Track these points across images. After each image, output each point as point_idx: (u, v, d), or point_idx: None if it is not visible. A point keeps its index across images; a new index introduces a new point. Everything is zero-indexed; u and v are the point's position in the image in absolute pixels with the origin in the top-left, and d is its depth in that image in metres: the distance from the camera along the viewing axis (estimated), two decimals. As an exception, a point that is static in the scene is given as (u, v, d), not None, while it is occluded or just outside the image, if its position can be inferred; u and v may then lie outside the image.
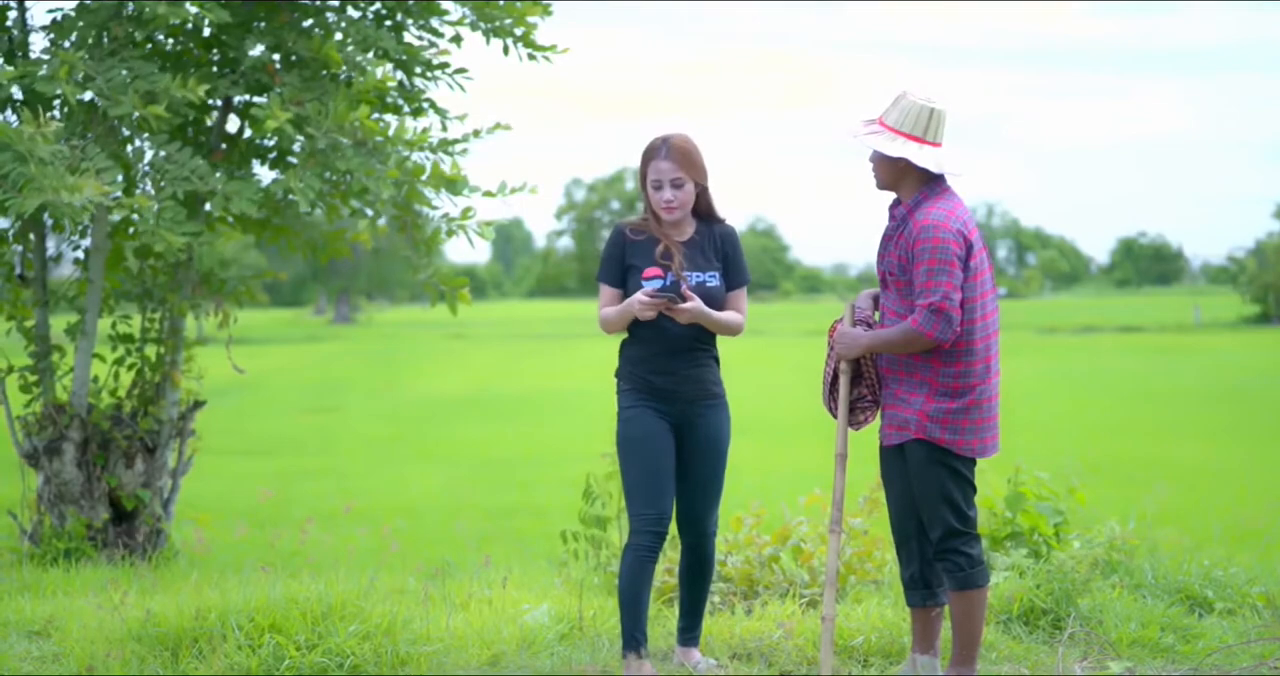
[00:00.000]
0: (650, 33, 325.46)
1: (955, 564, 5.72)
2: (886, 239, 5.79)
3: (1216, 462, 19.46)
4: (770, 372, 36.00)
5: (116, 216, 9.10)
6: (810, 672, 6.17)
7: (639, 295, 5.85)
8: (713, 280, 5.99)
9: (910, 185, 5.74)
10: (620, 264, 6.01)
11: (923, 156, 5.66)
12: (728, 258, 6.06)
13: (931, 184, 5.74)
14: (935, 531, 5.73)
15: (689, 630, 6.26)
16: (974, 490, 5.79)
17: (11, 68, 8.83)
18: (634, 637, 5.91)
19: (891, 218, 5.79)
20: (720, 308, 6.01)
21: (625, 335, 6.08)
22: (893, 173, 5.74)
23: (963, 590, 5.73)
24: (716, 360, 6.09)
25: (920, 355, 5.67)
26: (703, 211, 6.07)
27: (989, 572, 5.87)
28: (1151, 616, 6.79)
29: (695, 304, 5.84)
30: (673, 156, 5.91)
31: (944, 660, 6.03)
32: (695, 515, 6.06)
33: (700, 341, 5.99)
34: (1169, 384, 33.48)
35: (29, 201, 7.88)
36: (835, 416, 5.97)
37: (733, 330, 6.02)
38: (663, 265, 5.96)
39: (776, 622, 6.56)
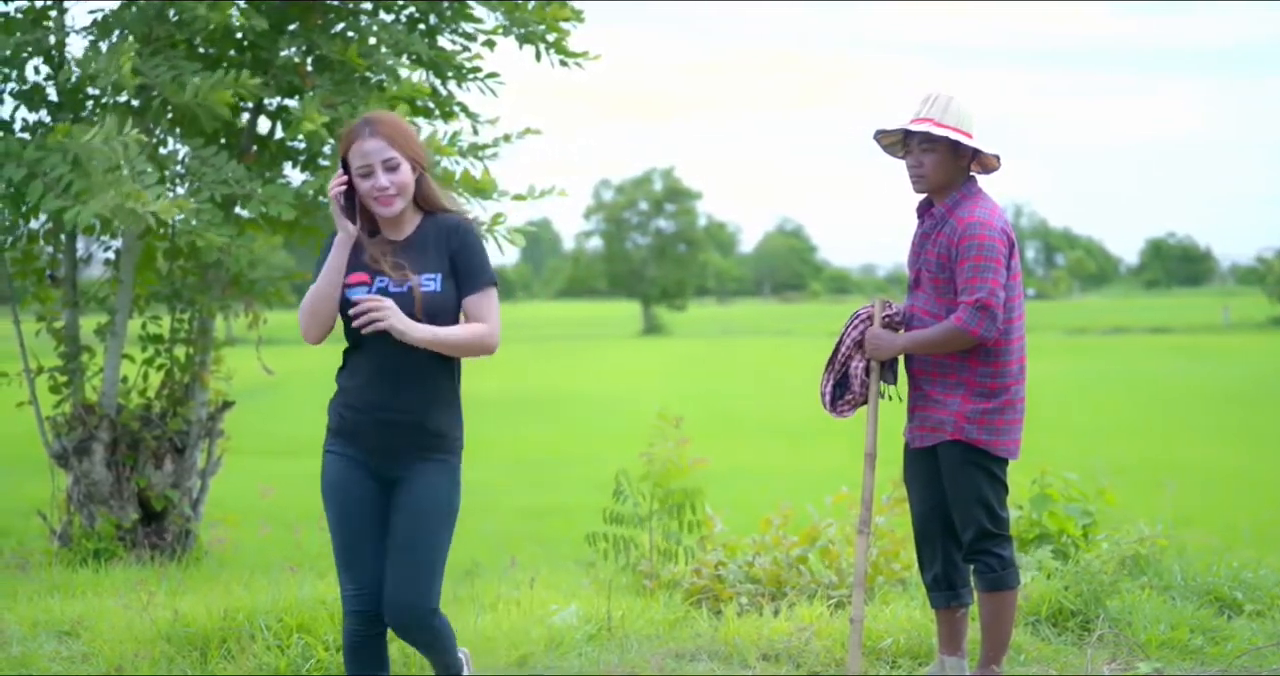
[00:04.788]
0: (661, 33, 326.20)
1: (987, 565, 5.70)
2: (923, 238, 5.75)
3: (1245, 464, 19.38)
4: (796, 373, 35.88)
5: (151, 216, 9.09)
6: (838, 674, 6.16)
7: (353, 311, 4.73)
8: (430, 283, 4.78)
9: (956, 185, 5.72)
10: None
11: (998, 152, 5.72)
12: (457, 256, 4.83)
13: (968, 185, 5.73)
14: (968, 533, 5.70)
15: None
16: (1006, 491, 5.76)
17: (75, 68, 8.83)
18: None
19: (930, 217, 5.75)
20: (452, 319, 4.83)
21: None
22: (952, 172, 5.70)
23: (993, 591, 5.70)
24: (447, 400, 4.87)
25: (958, 355, 5.62)
26: (427, 202, 4.90)
27: (1019, 574, 5.85)
28: (1180, 618, 6.76)
29: (386, 310, 4.69)
30: (380, 133, 4.77)
31: (972, 661, 6.02)
32: (391, 595, 4.86)
33: (419, 373, 4.80)
34: (1198, 385, 33.36)
35: (87, 211, 7.87)
36: (832, 413, 5.90)
37: (470, 347, 4.79)
38: (371, 269, 4.82)
39: (801, 625, 6.55)
